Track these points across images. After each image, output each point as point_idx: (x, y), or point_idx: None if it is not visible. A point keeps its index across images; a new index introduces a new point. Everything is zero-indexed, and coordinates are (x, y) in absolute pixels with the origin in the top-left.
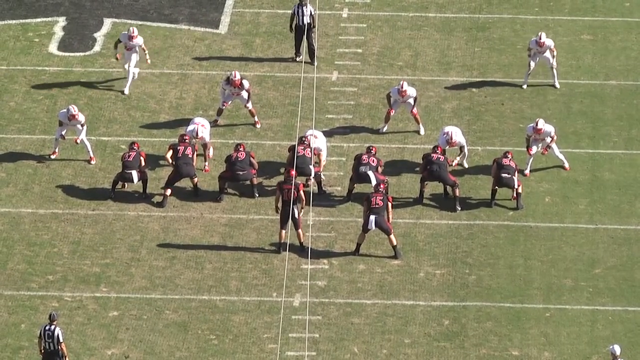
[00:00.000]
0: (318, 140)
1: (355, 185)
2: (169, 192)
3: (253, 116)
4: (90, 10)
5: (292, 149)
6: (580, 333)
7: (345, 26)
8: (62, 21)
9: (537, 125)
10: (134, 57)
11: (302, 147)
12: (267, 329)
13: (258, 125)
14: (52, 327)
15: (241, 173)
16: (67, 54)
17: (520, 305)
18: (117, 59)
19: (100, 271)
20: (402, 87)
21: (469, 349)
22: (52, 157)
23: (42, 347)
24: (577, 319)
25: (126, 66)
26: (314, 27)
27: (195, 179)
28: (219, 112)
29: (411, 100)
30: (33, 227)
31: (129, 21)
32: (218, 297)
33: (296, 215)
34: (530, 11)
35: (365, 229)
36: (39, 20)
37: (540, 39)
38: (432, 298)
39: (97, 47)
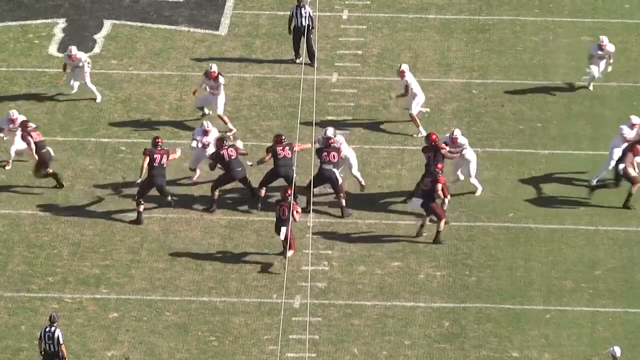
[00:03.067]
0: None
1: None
2: (142, 207)
3: (226, 123)
4: (90, 12)
5: (270, 150)
6: (581, 334)
7: (345, 28)
8: (62, 23)
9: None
10: (85, 72)
11: (281, 147)
12: (268, 331)
13: (230, 133)
14: (53, 328)
15: (240, 169)
16: None
17: (520, 307)
18: (64, 77)
19: (100, 273)
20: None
21: (469, 351)
22: (7, 167)
23: (42, 349)
24: (578, 321)
25: (75, 84)
26: (313, 28)
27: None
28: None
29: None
30: (33, 229)
31: (129, 23)
32: (218, 298)
33: (287, 233)
34: (530, 13)
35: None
36: (39, 21)
37: (602, 42)
38: (432, 299)
39: (97, 49)
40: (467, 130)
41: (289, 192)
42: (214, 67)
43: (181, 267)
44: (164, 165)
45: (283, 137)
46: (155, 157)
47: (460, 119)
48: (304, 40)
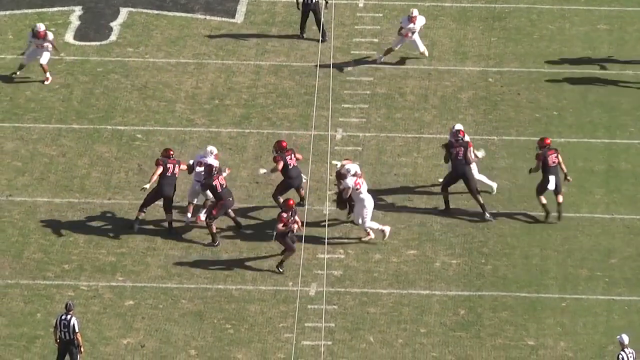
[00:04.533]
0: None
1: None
2: (142, 215)
3: (45, 72)
4: (106, 0)
5: (280, 159)
6: (596, 323)
7: (361, 16)
8: (78, 10)
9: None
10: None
11: (289, 156)
12: (283, 318)
13: (47, 82)
14: (68, 316)
15: (231, 199)
16: (83, 43)
17: (536, 295)
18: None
19: (116, 260)
20: (412, 13)
21: (485, 339)
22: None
23: (58, 337)
24: (593, 309)
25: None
26: (322, 2)
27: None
28: (20, 67)
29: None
30: (49, 216)
31: (146, 10)
32: (234, 286)
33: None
34: (547, 1)
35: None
36: (55, 9)
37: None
38: (448, 288)
39: (113, 37)
40: (484, 119)
41: (292, 202)
42: (42, 27)
43: (197, 255)
44: (176, 176)
45: (286, 144)
46: (168, 167)
47: (477, 107)
48: (313, 17)
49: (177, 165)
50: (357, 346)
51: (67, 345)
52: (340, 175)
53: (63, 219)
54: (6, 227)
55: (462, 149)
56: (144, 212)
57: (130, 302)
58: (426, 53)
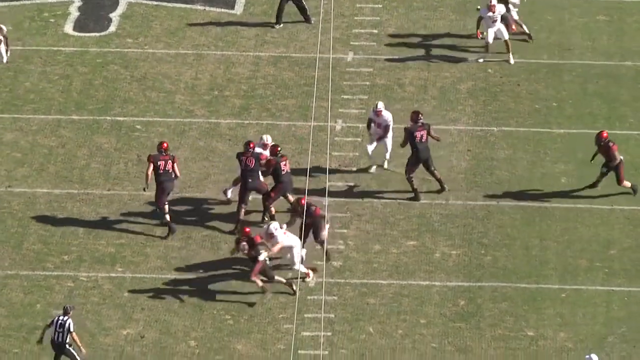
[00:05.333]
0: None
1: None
2: (166, 218)
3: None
4: None
5: (274, 162)
6: (596, 314)
7: (360, 7)
8: (77, 1)
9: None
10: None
11: (284, 162)
12: (283, 309)
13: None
14: (65, 318)
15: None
16: (82, 34)
17: (535, 286)
18: None
19: (116, 251)
20: (490, 2)
21: (485, 330)
22: None
23: (41, 337)
24: (593, 300)
25: None
26: None
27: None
28: None
29: (499, 18)
30: (48, 207)
31: (145, 1)
32: (233, 277)
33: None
34: None
35: None
36: (54, 0)
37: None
38: (448, 278)
39: (112, 28)
40: (483, 109)
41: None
42: None
43: (196, 246)
44: (170, 171)
45: (279, 149)
46: (159, 163)
47: (476, 98)
48: (290, 4)
49: (170, 161)
50: (357, 337)
51: (58, 347)
52: (270, 237)
53: (62, 210)
54: (6, 218)
55: (425, 131)
56: (166, 212)
57: (130, 293)
58: (509, 43)
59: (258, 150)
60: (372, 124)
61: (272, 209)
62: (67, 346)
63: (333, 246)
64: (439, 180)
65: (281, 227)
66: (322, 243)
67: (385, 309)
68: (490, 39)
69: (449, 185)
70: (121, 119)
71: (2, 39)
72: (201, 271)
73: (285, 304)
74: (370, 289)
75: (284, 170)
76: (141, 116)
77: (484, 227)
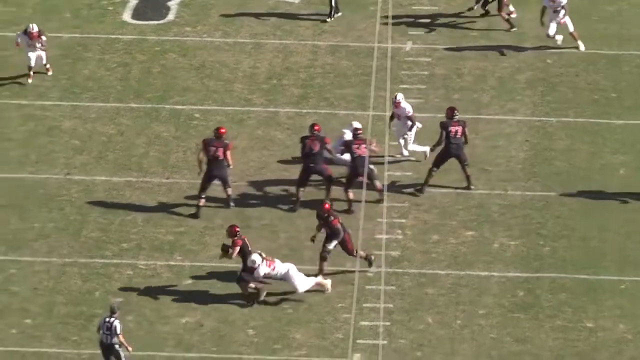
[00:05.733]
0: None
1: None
2: (202, 202)
3: (48, 71)
4: None
5: (348, 145)
6: None
7: None
8: None
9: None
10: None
11: (357, 146)
12: (342, 299)
13: (49, 73)
14: (112, 319)
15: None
16: (140, 22)
17: (595, 277)
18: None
19: (175, 239)
20: None
21: (543, 320)
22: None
23: (99, 340)
24: None
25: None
26: None
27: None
28: (30, 69)
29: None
30: (107, 195)
31: None
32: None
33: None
34: None
35: None
36: None
37: None
38: (507, 269)
39: (170, 16)
40: (541, 100)
41: (327, 206)
42: (35, 28)
43: (255, 235)
44: (220, 158)
45: (359, 131)
46: (210, 149)
47: (534, 89)
48: None
49: (222, 148)
50: (415, 327)
51: (107, 349)
52: (252, 270)
53: (121, 198)
54: (64, 206)
55: (460, 127)
56: (203, 197)
57: (189, 282)
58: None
59: (348, 135)
60: (395, 117)
61: (350, 194)
62: (115, 347)
63: (391, 235)
64: (467, 177)
65: (263, 258)
66: (353, 255)
67: (444, 299)
68: (552, 32)
69: (507, 175)
70: (180, 107)
71: (43, 45)
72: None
73: (344, 293)
74: (428, 279)
75: (356, 153)
76: (199, 105)
77: (542, 217)
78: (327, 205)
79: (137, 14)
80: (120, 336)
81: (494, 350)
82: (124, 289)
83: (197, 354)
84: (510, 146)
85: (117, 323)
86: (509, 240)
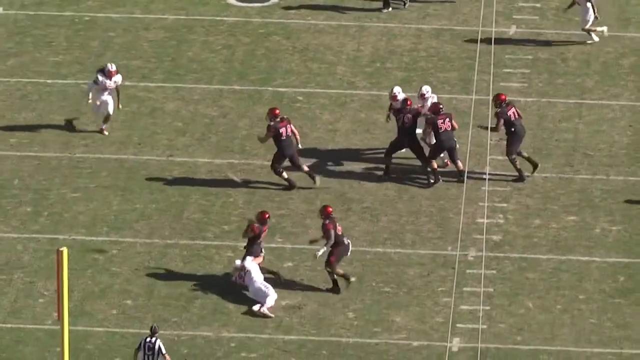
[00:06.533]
0: None
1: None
2: (285, 174)
3: (106, 123)
4: None
5: (431, 121)
6: None
7: None
8: None
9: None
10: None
11: (442, 120)
12: (442, 283)
13: (106, 133)
14: (153, 339)
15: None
16: (245, 4)
17: None
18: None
19: (276, 222)
20: None
21: None
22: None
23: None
24: None
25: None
26: None
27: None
28: (106, 119)
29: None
30: (209, 177)
31: None
32: (393, 249)
33: None
34: None
35: None
36: None
37: None
38: (608, 254)
39: None
40: None
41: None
42: (113, 67)
43: (356, 218)
44: (290, 136)
45: (441, 106)
46: (280, 131)
47: (638, 74)
48: None
49: (289, 125)
50: (516, 311)
51: None
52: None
53: (223, 180)
54: (166, 187)
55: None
56: (282, 171)
57: (289, 264)
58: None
59: (400, 96)
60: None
61: (434, 163)
62: None
63: (492, 220)
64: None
65: (243, 260)
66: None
67: (545, 284)
68: (590, 20)
69: (610, 160)
70: (283, 89)
71: (117, 87)
72: (360, 243)
73: (445, 277)
74: (529, 264)
75: (442, 128)
76: (302, 87)
77: None
78: (329, 209)
79: None
80: (167, 356)
81: (594, 336)
82: (224, 272)
83: (297, 336)
84: (613, 131)
85: (160, 343)
86: (611, 225)
